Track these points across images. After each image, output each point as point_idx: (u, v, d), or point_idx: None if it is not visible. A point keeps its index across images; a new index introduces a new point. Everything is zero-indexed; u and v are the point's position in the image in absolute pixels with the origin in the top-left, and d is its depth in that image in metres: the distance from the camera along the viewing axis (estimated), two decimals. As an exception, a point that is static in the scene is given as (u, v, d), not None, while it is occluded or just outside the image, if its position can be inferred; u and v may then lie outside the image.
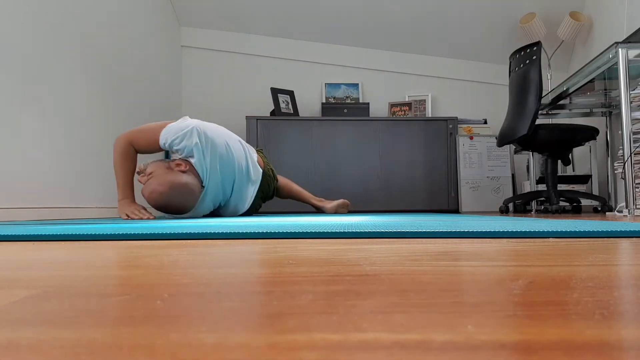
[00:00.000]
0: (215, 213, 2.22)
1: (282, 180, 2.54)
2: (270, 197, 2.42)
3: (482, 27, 3.72)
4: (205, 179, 1.96)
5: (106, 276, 0.37)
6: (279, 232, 0.75)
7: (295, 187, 2.57)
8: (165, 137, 1.96)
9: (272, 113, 3.63)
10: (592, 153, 3.17)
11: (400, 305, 0.25)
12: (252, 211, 2.33)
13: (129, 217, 1.84)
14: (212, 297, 0.28)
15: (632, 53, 2.12)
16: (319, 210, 2.62)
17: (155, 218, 1.89)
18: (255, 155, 2.22)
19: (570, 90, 2.75)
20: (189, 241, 0.71)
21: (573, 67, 3.72)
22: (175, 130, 1.95)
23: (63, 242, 0.71)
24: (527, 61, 2.57)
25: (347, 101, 3.89)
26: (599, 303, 0.25)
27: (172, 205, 1.84)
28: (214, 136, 2.00)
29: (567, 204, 3.16)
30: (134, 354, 0.17)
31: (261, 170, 2.23)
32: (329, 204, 2.58)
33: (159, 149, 2.02)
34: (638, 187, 2.07)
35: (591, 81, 2.56)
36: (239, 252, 0.53)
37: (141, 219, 1.79)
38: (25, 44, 2.06)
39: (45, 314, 0.24)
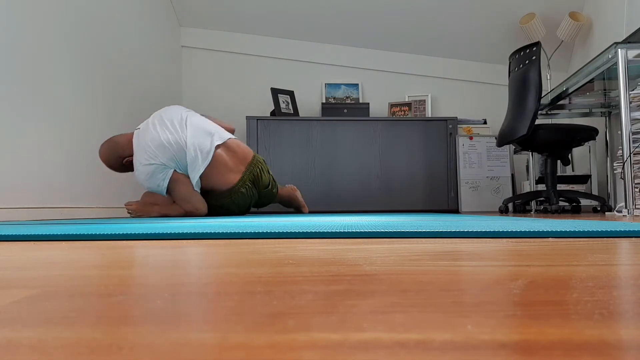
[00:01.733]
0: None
1: (286, 189, 2.72)
2: (266, 187, 2.39)
3: (482, 27, 3.72)
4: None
5: (106, 276, 0.37)
6: (279, 232, 0.75)
7: (298, 194, 2.77)
8: None
9: (272, 113, 3.63)
10: (591, 153, 3.17)
11: (400, 305, 0.25)
12: (242, 194, 2.30)
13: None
14: (212, 297, 0.28)
15: (632, 53, 2.12)
16: (300, 212, 2.85)
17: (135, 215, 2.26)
18: (225, 134, 2.34)
19: (570, 91, 2.75)
20: (189, 241, 0.71)
21: (572, 67, 3.73)
22: None
23: (63, 242, 0.71)
24: (527, 61, 2.57)
25: (347, 101, 3.89)
26: (598, 303, 0.25)
27: (107, 157, 2.28)
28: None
29: (567, 204, 3.16)
30: (134, 354, 0.17)
31: (228, 137, 2.33)
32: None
33: None
34: (637, 187, 2.07)
35: (591, 81, 2.56)
36: (239, 252, 0.53)
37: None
38: (25, 45, 2.06)
39: (45, 314, 0.24)
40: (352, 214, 2.81)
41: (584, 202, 3.09)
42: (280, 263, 0.43)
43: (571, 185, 3.18)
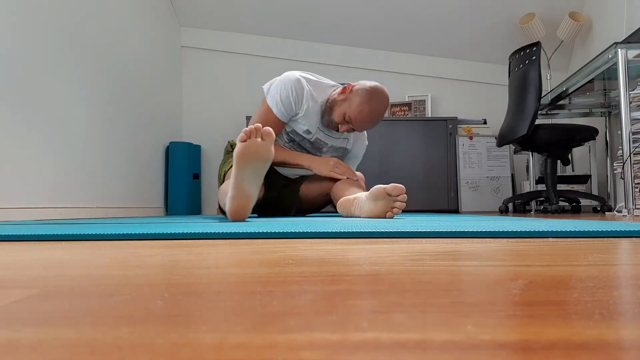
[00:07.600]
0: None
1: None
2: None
3: (482, 27, 3.72)
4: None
5: (106, 276, 0.37)
6: (279, 232, 0.75)
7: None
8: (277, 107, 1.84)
9: (272, 113, 3.63)
10: (591, 153, 3.17)
11: (400, 305, 0.25)
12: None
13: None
14: (212, 297, 0.28)
15: (632, 53, 2.12)
16: None
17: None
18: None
19: (570, 91, 2.75)
20: (189, 241, 0.70)
21: (572, 67, 3.72)
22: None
23: (63, 242, 0.71)
24: (527, 61, 2.57)
25: (346, 101, 3.89)
26: (598, 303, 0.25)
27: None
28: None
29: (567, 204, 3.16)
30: (134, 354, 0.17)
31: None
32: None
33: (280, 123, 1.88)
34: (637, 187, 2.07)
35: (590, 81, 2.56)
36: (239, 252, 0.53)
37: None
38: (24, 45, 2.06)
39: (45, 314, 0.24)
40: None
41: (584, 202, 3.09)
42: (280, 263, 0.43)
43: (571, 185, 3.18)
